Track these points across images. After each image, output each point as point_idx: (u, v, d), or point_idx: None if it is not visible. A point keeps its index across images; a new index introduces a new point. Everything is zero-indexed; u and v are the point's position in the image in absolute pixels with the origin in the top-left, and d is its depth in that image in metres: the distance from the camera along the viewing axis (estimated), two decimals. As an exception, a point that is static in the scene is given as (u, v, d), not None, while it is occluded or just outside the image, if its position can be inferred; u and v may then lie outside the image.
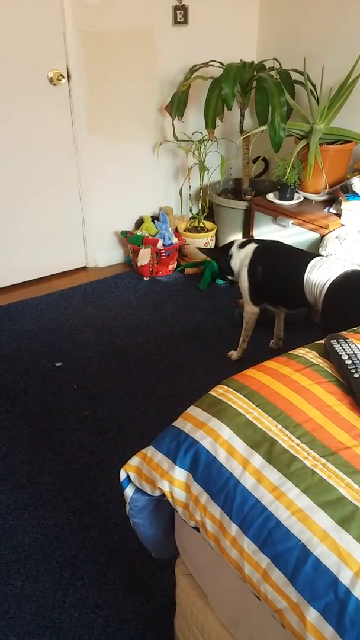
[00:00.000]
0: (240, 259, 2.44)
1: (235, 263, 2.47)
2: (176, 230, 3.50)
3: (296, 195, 3.07)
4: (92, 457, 2.12)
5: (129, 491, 1.18)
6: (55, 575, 1.70)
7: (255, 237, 3.23)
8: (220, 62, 3.14)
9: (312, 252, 2.88)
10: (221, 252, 2.56)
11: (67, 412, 2.34)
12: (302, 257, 2.29)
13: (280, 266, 2.36)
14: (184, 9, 3.21)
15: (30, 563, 1.74)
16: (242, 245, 2.47)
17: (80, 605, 1.62)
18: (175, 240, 3.41)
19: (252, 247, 2.43)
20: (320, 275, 2.14)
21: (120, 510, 1.87)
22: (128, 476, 1.17)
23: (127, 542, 1.77)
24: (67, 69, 2.99)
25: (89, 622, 1.57)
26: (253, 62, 3.23)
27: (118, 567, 1.72)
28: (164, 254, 3.36)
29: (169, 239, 3.38)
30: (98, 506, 1.92)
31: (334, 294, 2.08)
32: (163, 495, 1.10)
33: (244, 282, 2.44)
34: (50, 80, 2.96)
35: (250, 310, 2.48)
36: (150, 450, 1.15)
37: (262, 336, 2.69)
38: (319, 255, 2.38)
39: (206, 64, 3.17)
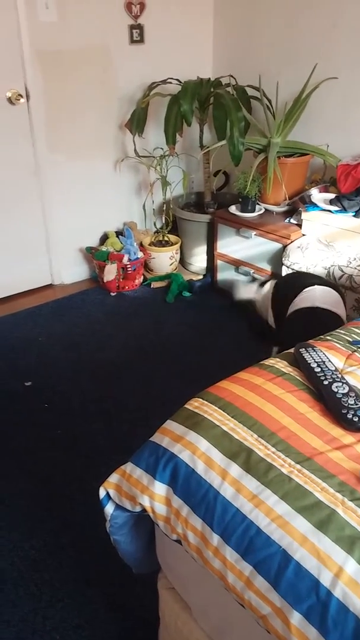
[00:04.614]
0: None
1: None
2: (141, 245, 3.53)
3: (257, 207, 3.14)
4: (66, 476, 2.10)
5: (109, 508, 1.18)
6: (34, 598, 1.68)
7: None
8: (177, 79, 3.20)
9: (272, 265, 2.97)
10: None
11: (38, 432, 2.32)
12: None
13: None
14: (139, 27, 3.26)
15: (8, 588, 1.71)
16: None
17: (61, 628, 1.60)
18: (140, 254, 3.44)
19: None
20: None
21: (97, 527, 1.84)
22: (108, 494, 1.18)
23: (106, 559, 1.76)
24: (26, 88, 2.99)
25: (71, 643, 1.56)
26: (210, 78, 3.31)
27: (98, 585, 1.71)
28: (129, 269, 3.37)
29: (134, 253, 3.40)
30: (74, 525, 1.90)
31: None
32: (144, 510, 1.11)
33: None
34: (9, 100, 2.96)
35: None
36: (129, 467, 1.16)
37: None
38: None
39: (164, 81, 3.22)
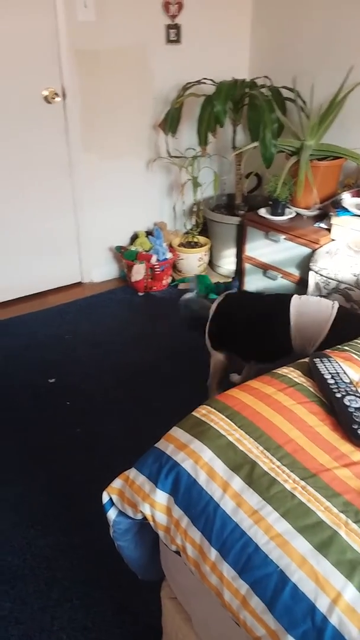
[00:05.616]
0: None
1: None
2: (170, 246, 3.52)
3: (287, 210, 3.08)
4: (85, 475, 2.10)
5: (111, 514, 1.17)
6: (43, 597, 1.68)
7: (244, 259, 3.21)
8: (212, 80, 3.17)
9: (300, 270, 2.91)
10: None
11: (59, 429, 2.33)
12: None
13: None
14: (177, 27, 3.25)
15: (19, 585, 1.72)
16: None
17: (68, 628, 1.60)
18: (169, 255, 3.42)
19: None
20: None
21: (109, 529, 1.85)
22: (111, 499, 1.17)
23: (116, 562, 1.73)
24: (62, 87, 3.02)
25: (77, 644, 1.55)
26: (245, 79, 3.26)
27: (107, 588, 1.70)
28: (158, 269, 3.36)
29: (163, 254, 3.39)
30: (89, 525, 1.90)
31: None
32: (145, 518, 1.09)
33: None
34: (46, 98, 2.99)
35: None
36: (132, 473, 1.14)
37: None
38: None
39: (199, 82, 3.20)
